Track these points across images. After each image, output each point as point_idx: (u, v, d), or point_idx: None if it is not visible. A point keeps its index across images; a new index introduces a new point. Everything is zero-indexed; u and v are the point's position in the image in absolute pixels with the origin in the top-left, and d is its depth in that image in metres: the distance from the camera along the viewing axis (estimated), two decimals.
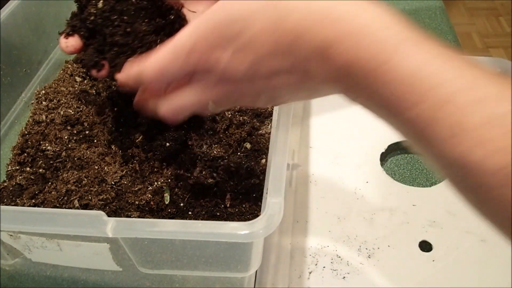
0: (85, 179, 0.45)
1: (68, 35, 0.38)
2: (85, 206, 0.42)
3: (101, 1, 0.36)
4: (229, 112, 0.51)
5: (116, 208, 0.41)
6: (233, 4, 0.28)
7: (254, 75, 0.29)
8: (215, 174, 0.44)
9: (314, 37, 0.26)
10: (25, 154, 0.50)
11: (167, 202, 0.42)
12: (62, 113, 0.53)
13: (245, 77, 0.29)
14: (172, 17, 0.37)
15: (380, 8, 0.26)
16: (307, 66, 0.27)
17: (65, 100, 0.55)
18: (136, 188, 0.44)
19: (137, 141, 0.47)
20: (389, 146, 0.55)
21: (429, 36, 0.25)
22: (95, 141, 0.50)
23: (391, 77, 0.24)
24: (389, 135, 0.56)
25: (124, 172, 0.45)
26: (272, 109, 0.50)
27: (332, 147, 0.55)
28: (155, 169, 0.46)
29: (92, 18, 0.36)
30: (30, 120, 0.54)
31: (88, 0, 0.37)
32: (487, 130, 0.22)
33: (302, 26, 0.26)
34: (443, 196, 0.49)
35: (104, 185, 0.44)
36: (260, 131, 0.50)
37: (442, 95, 0.23)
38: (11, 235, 0.36)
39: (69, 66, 0.61)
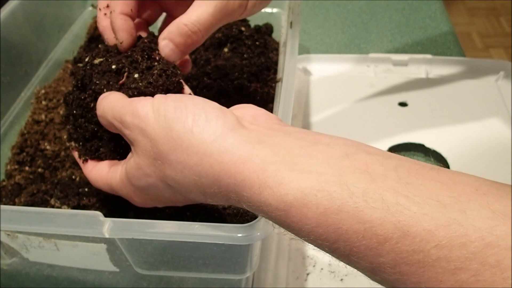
0: (84, 179, 0.45)
1: None
2: (83, 206, 0.42)
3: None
4: None
5: (114, 208, 0.41)
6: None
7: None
8: None
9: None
10: (24, 153, 0.50)
11: None
12: (61, 112, 0.53)
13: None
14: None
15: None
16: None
17: None
18: None
19: None
20: (390, 148, 0.55)
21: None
22: None
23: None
24: (390, 138, 0.56)
25: None
26: (272, 111, 0.50)
27: None
28: None
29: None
30: (30, 119, 0.54)
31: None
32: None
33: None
34: None
35: None
36: None
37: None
38: (8, 234, 0.36)
39: (69, 65, 0.61)
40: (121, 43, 0.36)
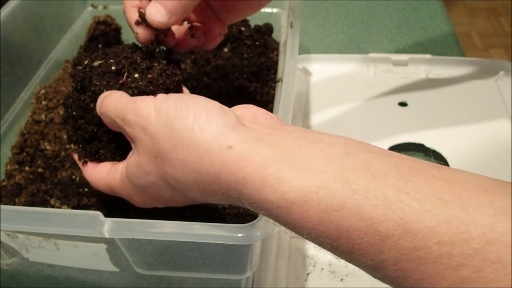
0: (84, 179, 0.45)
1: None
2: (83, 206, 0.42)
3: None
4: None
5: (114, 208, 0.41)
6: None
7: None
8: None
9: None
10: (24, 153, 0.50)
11: None
12: (61, 112, 0.53)
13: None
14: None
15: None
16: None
17: None
18: None
19: None
20: (390, 148, 0.55)
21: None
22: None
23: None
24: (390, 138, 0.56)
25: None
26: (272, 111, 0.50)
27: None
28: None
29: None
30: (30, 119, 0.54)
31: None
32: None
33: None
34: None
35: None
36: None
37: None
38: (8, 234, 0.36)
39: (69, 66, 0.61)
40: None
